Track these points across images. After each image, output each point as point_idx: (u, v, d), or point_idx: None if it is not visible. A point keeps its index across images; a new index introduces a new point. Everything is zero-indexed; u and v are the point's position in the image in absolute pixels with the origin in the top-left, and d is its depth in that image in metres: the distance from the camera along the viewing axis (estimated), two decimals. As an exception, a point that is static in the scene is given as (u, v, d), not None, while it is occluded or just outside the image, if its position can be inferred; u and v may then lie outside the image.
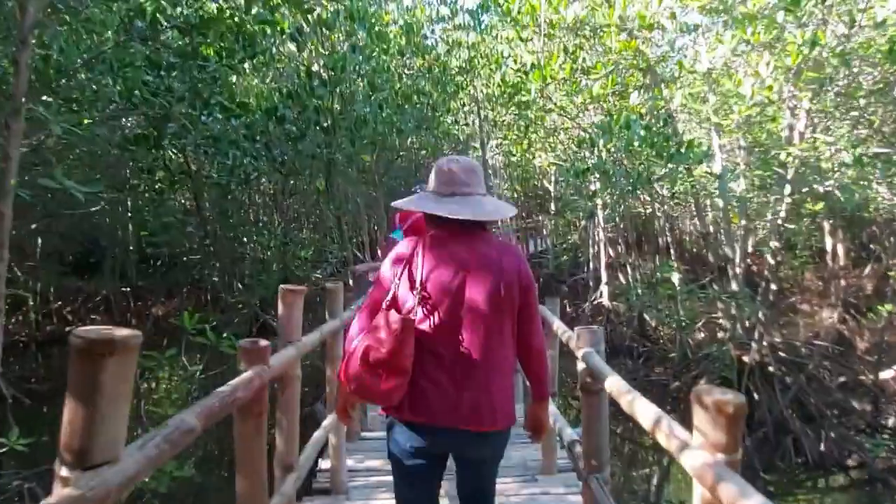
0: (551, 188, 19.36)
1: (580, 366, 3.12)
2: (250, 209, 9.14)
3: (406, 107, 8.94)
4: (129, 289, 16.04)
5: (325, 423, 4.02)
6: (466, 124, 14.24)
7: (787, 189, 8.89)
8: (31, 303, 15.21)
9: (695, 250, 20.01)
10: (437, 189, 2.32)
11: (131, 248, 15.07)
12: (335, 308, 4.33)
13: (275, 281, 9.45)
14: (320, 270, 10.75)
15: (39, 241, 15.29)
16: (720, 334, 12.23)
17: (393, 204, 2.71)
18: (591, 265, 17.76)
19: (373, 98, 7.97)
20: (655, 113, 8.05)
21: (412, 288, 2.22)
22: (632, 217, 15.55)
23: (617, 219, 13.78)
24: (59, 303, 16.11)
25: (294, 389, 3.13)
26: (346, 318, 4.41)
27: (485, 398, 2.21)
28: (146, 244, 8.43)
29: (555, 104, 9.82)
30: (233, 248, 8.50)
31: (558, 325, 4.16)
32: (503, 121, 12.64)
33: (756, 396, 10.49)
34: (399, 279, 2.26)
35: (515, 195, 20.04)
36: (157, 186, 7.68)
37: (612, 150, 7.83)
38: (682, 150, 7.23)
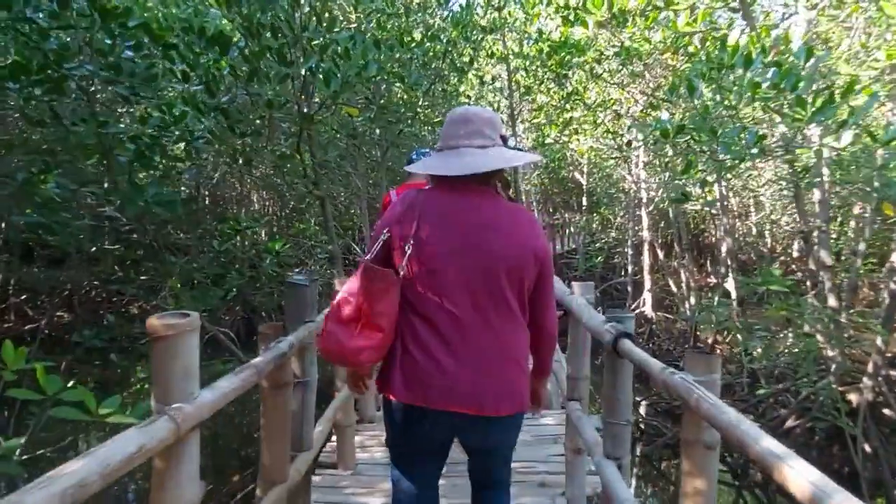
0: (583, 181, 16.54)
1: None
2: (199, 186, 6.61)
3: (413, 47, 6.19)
4: (99, 282, 13.40)
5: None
6: (493, 84, 11.40)
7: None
8: (-12, 297, 12.79)
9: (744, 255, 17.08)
10: (439, 146, 2.03)
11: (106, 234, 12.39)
12: (165, 375, 1.60)
13: (234, 281, 6.78)
14: (301, 269, 8.03)
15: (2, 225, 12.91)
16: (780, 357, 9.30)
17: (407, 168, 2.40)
18: (629, 268, 14.92)
19: (360, 19, 5.25)
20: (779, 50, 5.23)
21: (404, 244, 1.89)
22: (682, 212, 12.69)
23: (671, 214, 10.94)
24: (23, 297, 13.63)
25: None
26: (212, 399, 1.66)
27: (489, 378, 1.87)
28: (26, 230, 5.72)
29: (616, 49, 6.99)
30: (164, 237, 5.80)
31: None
32: (536, 87, 9.83)
33: (867, 448, 7.69)
34: (390, 234, 1.91)
35: (543, 187, 17.24)
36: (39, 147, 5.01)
37: (715, 99, 5.05)
38: (838, 99, 4.42)
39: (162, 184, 5.12)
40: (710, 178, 5.28)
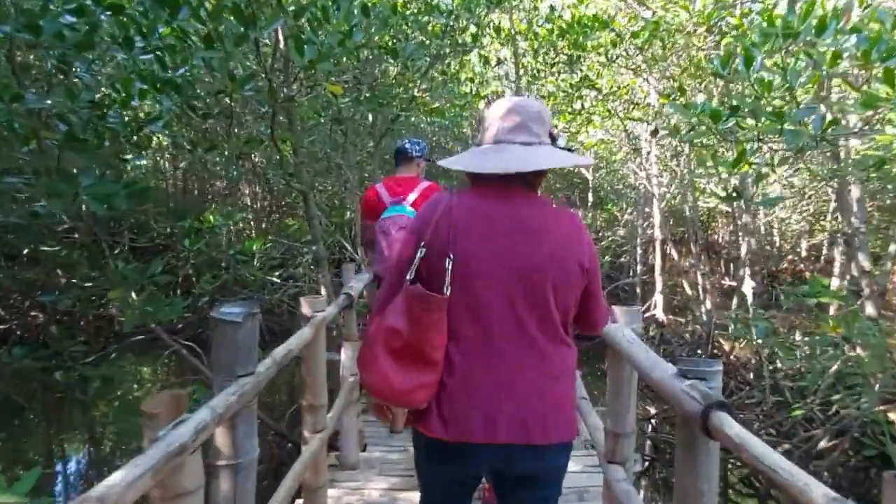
0: (589, 176, 15.62)
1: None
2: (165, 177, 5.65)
3: (408, 15, 5.23)
4: (30, 289, 12.13)
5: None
6: (497, 69, 10.43)
7: None
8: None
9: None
10: (478, 141, 1.83)
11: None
12: None
13: (206, 285, 5.84)
14: (281, 272, 7.07)
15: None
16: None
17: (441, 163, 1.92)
18: (637, 268, 13.99)
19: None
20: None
21: (443, 257, 1.62)
22: (696, 209, 11.73)
23: (687, 211, 10.00)
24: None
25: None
26: None
27: (537, 403, 1.65)
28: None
29: (641, 24, 6.02)
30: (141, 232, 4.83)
31: None
32: (547, 72, 8.87)
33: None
34: (427, 244, 1.66)
35: (546, 182, 16.29)
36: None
37: (770, 76, 4.11)
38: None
39: (106, 170, 4.16)
40: (764, 171, 4.32)
